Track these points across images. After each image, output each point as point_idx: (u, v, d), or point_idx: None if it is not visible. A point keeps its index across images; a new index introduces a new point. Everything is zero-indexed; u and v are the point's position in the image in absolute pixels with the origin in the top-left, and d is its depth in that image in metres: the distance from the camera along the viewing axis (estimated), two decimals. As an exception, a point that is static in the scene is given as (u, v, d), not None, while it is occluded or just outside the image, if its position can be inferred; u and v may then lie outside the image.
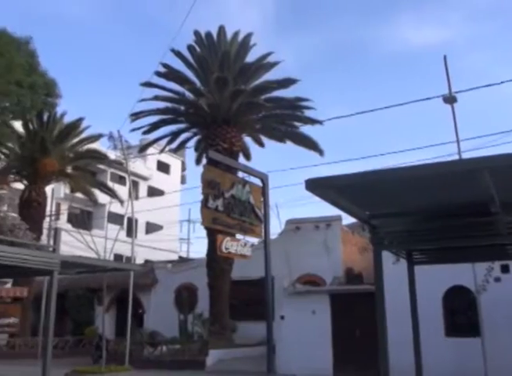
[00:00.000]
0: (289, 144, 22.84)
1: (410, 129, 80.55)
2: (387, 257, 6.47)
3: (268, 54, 22.09)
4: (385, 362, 5.44)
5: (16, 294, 22.70)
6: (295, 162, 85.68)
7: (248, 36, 22.19)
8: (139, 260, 30.31)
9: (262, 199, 16.59)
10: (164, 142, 24.06)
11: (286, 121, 22.38)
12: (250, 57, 22.27)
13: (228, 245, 15.83)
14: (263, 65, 21.99)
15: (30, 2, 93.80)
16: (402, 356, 7.65)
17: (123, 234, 24.70)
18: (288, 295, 15.40)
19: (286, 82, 21.44)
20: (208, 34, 22.03)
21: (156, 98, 21.48)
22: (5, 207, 12.54)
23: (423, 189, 4.92)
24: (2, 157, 25.07)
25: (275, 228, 22.18)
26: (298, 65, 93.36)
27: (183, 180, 50.20)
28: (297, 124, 22.32)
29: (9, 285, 24.64)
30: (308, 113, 21.76)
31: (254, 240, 18.85)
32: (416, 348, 7.20)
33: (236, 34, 22.49)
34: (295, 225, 21.31)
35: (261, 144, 23.89)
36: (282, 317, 14.98)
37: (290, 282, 16.15)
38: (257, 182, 16.84)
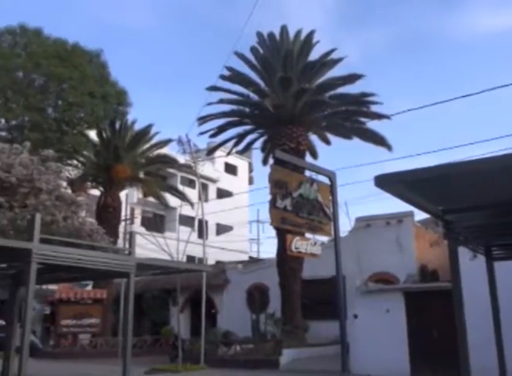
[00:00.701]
0: (355, 140, 22.52)
1: (476, 121, 77.14)
2: (463, 253, 6.21)
3: (332, 51, 21.86)
4: (466, 364, 5.21)
5: (97, 295, 23.75)
6: (363, 159, 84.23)
7: (311, 34, 22.05)
8: (211, 261, 30.84)
9: (330, 197, 16.40)
10: (230, 144, 24.37)
11: (352, 117, 22.05)
12: (314, 55, 22.14)
13: (298, 244, 15.79)
14: (327, 62, 21.78)
15: (99, 15, 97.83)
16: (482, 358, 7.28)
17: (194, 236, 25.25)
18: (360, 294, 15.13)
19: (351, 78, 21.14)
20: (271, 35, 22.10)
21: (221, 101, 21.80)
22: (83, 213, 13.08)
23: (500, 182, 4.68)
24: (79, 165, 26.28)
25: (345, 226, 21.93)
26: (362, 59, 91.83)
27: (251, 181, 50.63)
28: (363, 119, 21.94)
29: (89, 287, 25.82)
30: (374, 108, 21.37)
31: (324, 239, 18.68)
32: (499, 351, 6.82)
33: (298, 32, 22.41)
34: (365, 223, 20.95)
35: (328, 142, 23.69)
36: (355, 316, 14.75)
37: (362, 280, 15.87)
38: (325, 180, 16.68)
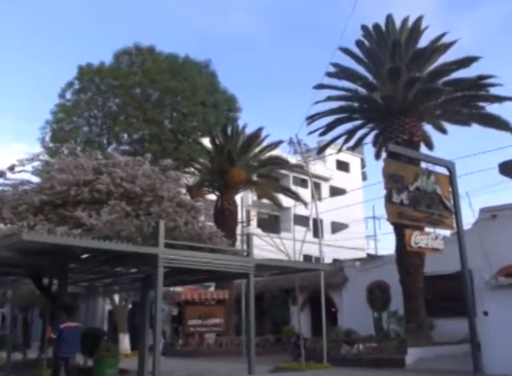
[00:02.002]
0: (474, 127, 21.24)
1: None
2: None
3: (442, 35, 20.81)
4: None
5: (219, 296, 24.62)
6: (484, 146, 79.11)
7: (418, 20, 21.15)
8: (328, 260, 30.67)
9: (450, 188, 15.60)
10: (341, 141, 24.09)
11: (469, 102, 20.83)
12: (423, 41, 21.21)
13: (418, 239, 15.18)
14: (438, 47, 20.76)
15: (206, 28, 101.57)
16: None
17: (310, 235, 25.25)
18: (490, 289, 14.18)
19: (466, 61, 19.98)
20: (376, 26, 21.53)
21: (329, 98, 21.63)
22: (202, 218, 13.63)
23: None
24: (196, 172, 27.44)
25: (468, 218, 20.74)
26: (475, 41, 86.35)
27: (364, 177, 49.66)
28: (482, 104, 20.63)
29: (212, 288, 26.84)
30: (493, 90, 20.02)
31: (446, 233, 17.80)
32: None
33: (405, 20, 21.61)
34: (491, 214, 19.64)
35: (444, 131, 22.59)
36: (485, 313, 13.85)
37: (491, 275, 14.89)
38: (443, 171, 15.90)
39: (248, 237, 13.07)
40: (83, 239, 9.85)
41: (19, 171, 12.86)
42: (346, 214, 39.07)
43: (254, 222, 38.26)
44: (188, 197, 14.64)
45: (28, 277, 13.56)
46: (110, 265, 12.38)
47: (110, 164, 12.16)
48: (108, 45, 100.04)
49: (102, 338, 14.75)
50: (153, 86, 24.27)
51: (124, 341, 22.77)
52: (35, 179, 12.95)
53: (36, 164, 12.89)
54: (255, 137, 27.52)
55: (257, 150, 28.02)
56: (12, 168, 12.97)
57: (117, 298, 23.88)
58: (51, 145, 24.56)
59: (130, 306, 24.68)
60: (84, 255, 11.35)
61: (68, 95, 25.63)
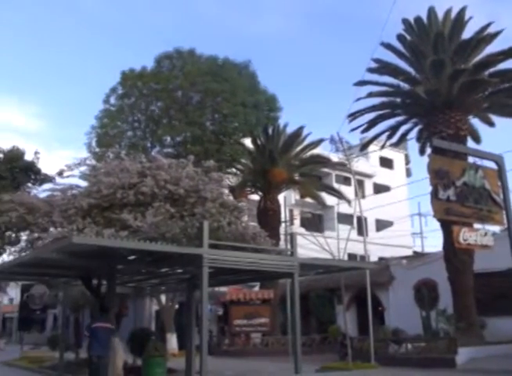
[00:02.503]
0: (524, 119, 20.51)
1: None
2: None
3: (488, 25, 20.20)
4: None
5: (264, 296, 24.67)
6: (534, 138, 76.34)
7: (462, 11, 20.60)
8: (373, 258, 30.27)
9: (499, 183, 15.12)
10: (384, 137, 23.73)
11: (518, 93, 20.14)
12: (467, 33, 20.66)
13: (467, 236, 14.75)
14: (483, 38, 20.16)
15: (244, 28, 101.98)
16: None
17: (354, 233, 24.97)
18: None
19: (512, 52, 19.33)
20: (417, 19, 21.10)
21: (370, 95, 21.35)
22: (245, 218, 13.68)
23: None
24: (238, 172, 27.60)
25: (519, 213, 19.97)
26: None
27: (408, 173, 48.79)
28: (532, 95, 19.92)
29: (256, 288, 26.93)
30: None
31: (496, 229, 17.26)
32: None
33: (447, 11, 21.10)
34: (543, 209, 18.91)
35: (491, 124, 21.91)
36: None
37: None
38: (492, 165, 15.41)
39: (292, 237, 13.05)
40: (129, 241, 10.05)
41: (68, 176, 13.29)
42: (391, 211, 38.49)
43: (297, 222, 38.18)
44: (231, 198, 14.71)
45: (78, 279, 13.97)
46: (156, 266, 12.60)
47: (154, 167, 12.36)
48: (149, 51, 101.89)
49: (150, 338, 15.02)
50: (194, 88, 24.53)
51: (172, 341, 23.11)
52: (83, 183, 13.32)
53: (83, 168, 13.27)
54: (296, 136, 27.44)
55: (298, 148, 27.95)
56: (60, 174, 13.40)
57: (163, 298, 24.26)
58: (97, 150, 25.17)
59: (176, 306, 25.04)
60: (131, 257, 11.60)
61: (112, 101, 26.21)
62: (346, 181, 37.96)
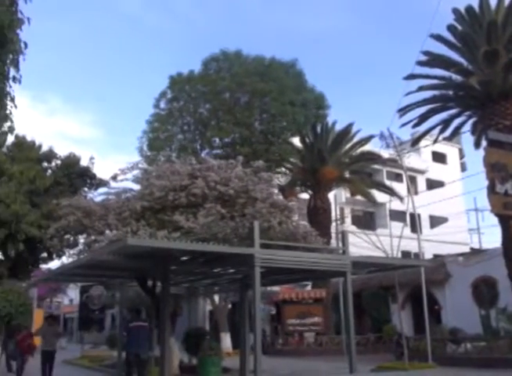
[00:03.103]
0: None
1: None
2: None
3: (544, 11, 19.32)
4: None
5: (317, 295, 24.56)
6: None
7: (515, -3, 19.80)
8: (427, 255, 29.59)
9: (560, 176, 14.43)
10: (436, 131, 23.12)
11: None
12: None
13: (526, 232, 14.22)
14: (539, 25, 19.31)
15: (290, 26, 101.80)
16: None
17: (407, 230, 24.49)
18: None
19: None
20: (469, 8, 20.41)
21: (420, 88, 20.85)
22: (296, 217, 13.65)
23: None
24: (287, 171, 27.56)
25: None
26: None
27: (463, 168, 47.35)
28: None
29: (308, 287, 26.81)
30: None
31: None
32: None
33: (500, -1, 20.33)
34: None
35: (550, 114, 20.95)
36: None
37: None
38: (552, 157, 14.73)
39: (343, 235, 12.92)
40: (182, 242, 10.21)
41: (121, 180, 13.63)
42: (445, 207, 37.46)
43: (348, 220, 37.78)
44: (281, 197, 14.70)
45: (134, 280, 14.31)
46: (209, 267, 12.75)
47: (204, 169, 12.51)
48: (196, 54, 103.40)
49: (204, 338, 15.22)
50: (241, 89, 24.69)
51: (226, 340, 23.33)
52: (136, 187, 13.63)
53: (136, 172, 13.57)
54: (345, 133, 27.14)
55: (348, 146, 27.63)
56: (114, 178, 13.77)
57: (216, 298, 24.53)
58: (148, 153, 25.74)
59: (230, 306, 25.26)
60: (184, 258, 11.79)
61: (162, 105, 26.74)
62: (397, 177, 37.25)
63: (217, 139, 25.53)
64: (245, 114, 24.56)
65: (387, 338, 22.44)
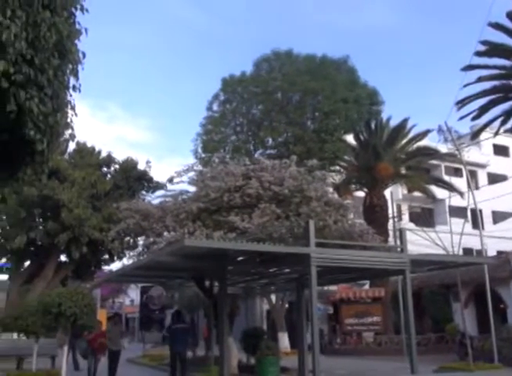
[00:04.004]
0: None
1: None
2: None
3: None
4: None
5: (375, 294, 24.16)
6: None
7: None
8: (491, 252, 28.50)
9: None
10: (497, 124, 22.27)
11: None
12: None
13: None
14: None
15: (340, 23, 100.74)
16: None
17: (468, 227, 23.68)
18: None
19: None
20: (528, -6, 19.57)
21: (480, 79, 20.17)
22: (351, 216, 13.50)
23: None
24: (342, 169, 27.26)
25: None
26: None
27: (528, 160, 45.35)
28: None
29: (366, 286, 26.42)
30: None
31: None
32: None
33: (562, -18, 19.35)
34: None
35: None
36: None
37: None
38: None
39: (401, 232, 12.65)
40: (238, 242, 10.29)
41: (177, 183, 13.91)
42: (509, 202, 35.98)
43: (406, 217, 36.97)
44: (335, 196, 14.59)
45: (192, 280, 14.55)
46: (265, 267, 12.79)
47: (258, 169, 12.56)
48: (248, 55, 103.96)
49: (262, 337, 15.26)
50: (293, 89, 24.64)
51: (284, 340, 23.33)
52: (191, 189, 13.86)
53: (191, 174, 13.81)
54: (401, 129, 26.58)
55: (403, 142, 27.06)
56: (171, 180, 14.07)
57: (273, 297, 24.57)
58: (203, 155, 26.09)
59: (287, 305, 25.24)
60: (240, 258, 11.88)
61: (215, 107, 27.04)
62: (457, 172, 36.15)
63: (270, 139, 25.58)
64: (297, 113, 24.49)
65: (449, 337, 21.77)
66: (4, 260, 26.49)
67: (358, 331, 23.92)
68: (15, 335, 18.81)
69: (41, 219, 24.63)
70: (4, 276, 29.65)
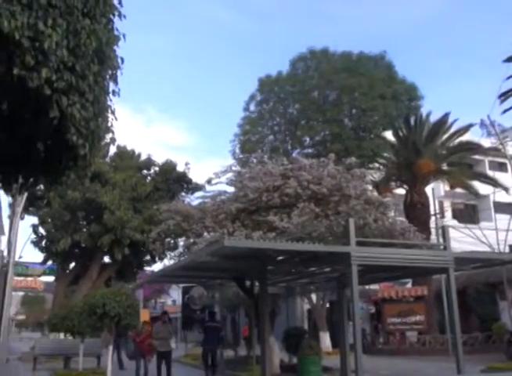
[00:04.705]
0: None
1: None
2: None
3: None
4: None
5: (418, 293, 23.72)
6: None
7: None
8: (540, 249, 27.54)
9: None
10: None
11: None
12: None
13: None
14: None
15: (375, 20, 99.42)
16: None
17: (514, 223, 23.01)
18: None
19: None
20: None
21: (523, 71, 19.54)
22: (392, 213, 13.31)
23: None
24: (381, 167, 26.90)
25: None
26: None
27: None
28: None
29: (409, 285, 25.99)
30: None
31: None
32: None
33: None
34: None
35: None
36: None
37: None
38: None
39: (444, 230, 12.39)
40: (278, 242, 10.29)
41: (216, 183, 14.00)
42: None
43: (448, 214, 36.21)
44: (375, 194, 14.40)
45: (232, 280, 14.63)
46: (305, 266, 12.74)
47: (296, 168, 12.53)
48: (284, 55, 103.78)
49: (304, 337, 15.21)
50: (329, 87, 24.51)
51: (325, 340, 23.20)
52: (230, 189, 13.94)
53: (229, 175, 13.88)
54: (441, 124, 26.02)
55: (444, 137, 26.47)
56: (209, 181, 14.18)
57: (314, 297, 24.46)
58: (241, 156, 26.24)
59: (328, 305, 25.08)
60: (280, 257, 11.87)
61: (252, 108, 27.16)
62: (501, 167, 35.17)
63: (307, 138, 25.51)
64: (334, 111, 24.33)
65: (496, 337, 21.20)
66: (50, 262, 27.30)
67: (402, 331, 23.54)
68: (62, 335, 19.37)
69: (84, 222, 25.27)
70: (50, 278, 30.58)
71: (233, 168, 14.36)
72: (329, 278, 14.61)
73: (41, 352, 17.99)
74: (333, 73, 24.13)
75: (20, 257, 25.81)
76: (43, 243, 25.86)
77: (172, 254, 15.47)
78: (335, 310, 20.43)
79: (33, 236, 26.03)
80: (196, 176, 74.77)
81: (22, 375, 16.45)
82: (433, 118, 26.42)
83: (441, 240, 12.96)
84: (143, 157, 27.54)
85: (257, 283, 13.76)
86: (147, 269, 29.11)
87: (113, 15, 4.34)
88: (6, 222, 19.84)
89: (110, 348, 11.80)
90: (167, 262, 16.84)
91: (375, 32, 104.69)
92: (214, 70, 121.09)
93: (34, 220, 26.10)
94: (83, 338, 16.05)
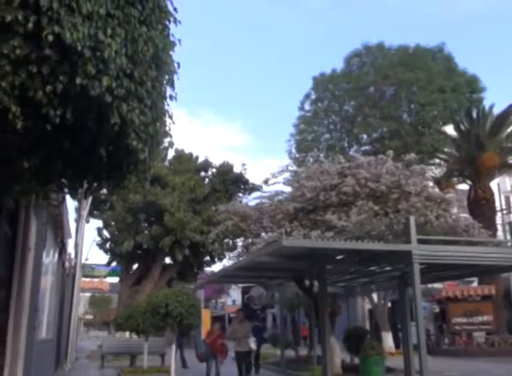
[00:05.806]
0: None
1: None
2: None
3: None
4: None
5: (484, 292, 22.88)
6: None
7: None
8: None
9: None
10: None
11: None
12: None
13: None
14: None
15: (433, 10, 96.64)
16: None
17: None
18: None
19: None
20: None
21: None
22: (455, 210, 12.91)
23: None
24: (442, 162, 26.13)
25: None
26: None
27: None
28: None
29: (475, 284, 25.10)
30: None
31: None
32: None
33: None
34: None
35: None
36: None
37: None
38: None
39: (511, 226, 11.90)
40: (336, 241, 10.20)
41: (273, 184, 14.02)
42: None
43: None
44: (436, 190, 14.01)
45: (291, 280, 14.61)
46: (364, 265, 12.55)
47: (353, 166, 12.37)
48: (338, 52, 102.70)
49: (365, 337, 15.01)
50: (386, 82, 24.07)
51: (387, 340, 22.78)
52: (287, 189, 13.94)
53: (286, 175, 13.87)
54: (506, 116, 25.00)
55: (510, 129, 25.41)
56: (266, 182, 14.21)
57: (375, 296, 24.07)
58: (297, 155, 26.20)
59: (389, 304, 24.62)
60: (339, 257, 11.75)
61: (307, 107, 27.07)
62: None
63: (364, 136, 25.16)
64: (392, 107, 23.87)
65: None
66: (114, 263, 28.24)
67: (468, 331, 22.78)
68: (127, 334, 19.97)
69: (145, 224, 25.97)
70: (115, 279, 31.61)
71: (290, 168, 14.33)
72: (390, 277, 14.33)
73: (108, 350, 18.64)
74: (389, 68, 23.68)
75: (87, 259, 26.80)
76: (107, 245, 26.83)
77: (231, 254, 15.64)
78: (397, 310, 20.02)
79: (98, 238, 27.09)
80: (253, 177, 75.30)
81: (91, 373, 17.07)
82: (496, 110, 25.46)
83: (508, 236, 12.43)
84: (201, 159, 27.99)
85: (316, 283, 13.69)
86: (207, 269, 29.56)
87: (169, 21, 4.43)
88: (73, 226, 20.69)
89: (173, 347, 12.05)
90: (227, 262, 17.03)
91: (433, 24, 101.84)
92: (268, 71, 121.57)
93: (99, 223, 27.15)
94: (147, 336, 16.49)
